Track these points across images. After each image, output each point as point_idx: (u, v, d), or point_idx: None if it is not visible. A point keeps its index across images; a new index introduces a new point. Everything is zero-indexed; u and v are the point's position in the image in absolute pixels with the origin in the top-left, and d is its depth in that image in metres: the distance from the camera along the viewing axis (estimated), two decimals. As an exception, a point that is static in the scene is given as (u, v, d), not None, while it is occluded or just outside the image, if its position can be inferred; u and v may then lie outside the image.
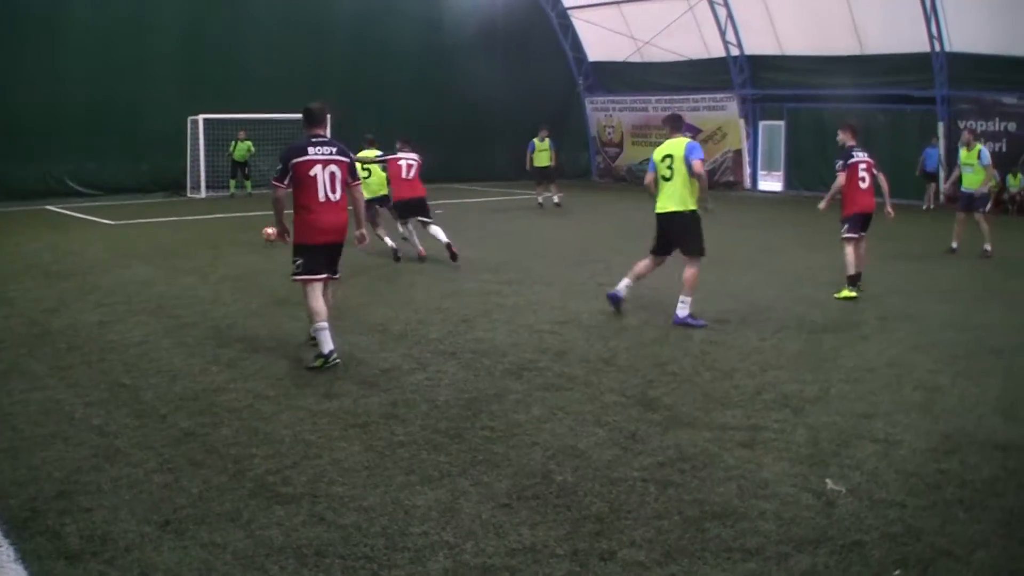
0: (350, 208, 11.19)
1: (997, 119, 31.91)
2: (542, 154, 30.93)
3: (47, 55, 30.99)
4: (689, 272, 13.29)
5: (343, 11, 37.85)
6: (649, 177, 13.52)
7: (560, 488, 7.20)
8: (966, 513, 6.77)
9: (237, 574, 5.84)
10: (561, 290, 15.84)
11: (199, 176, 34.55)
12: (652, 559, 6.03)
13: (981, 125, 31.54)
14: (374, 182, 19.77)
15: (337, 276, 11.42)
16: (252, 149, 34.24)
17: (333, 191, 10.96)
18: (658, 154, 13.39)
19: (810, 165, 37.08)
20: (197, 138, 33.97)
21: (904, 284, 16.68)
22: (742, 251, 20.81)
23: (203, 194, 34.11)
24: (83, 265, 18.35)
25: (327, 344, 10.84)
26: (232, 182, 35.07)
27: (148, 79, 33.19)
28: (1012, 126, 31.50)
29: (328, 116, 12.02)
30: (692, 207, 13.28)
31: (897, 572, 5.90)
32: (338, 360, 10.84)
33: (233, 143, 34.35)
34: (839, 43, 34.63)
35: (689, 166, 12.99)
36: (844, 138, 15.76)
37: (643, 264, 13.80)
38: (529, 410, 9.23)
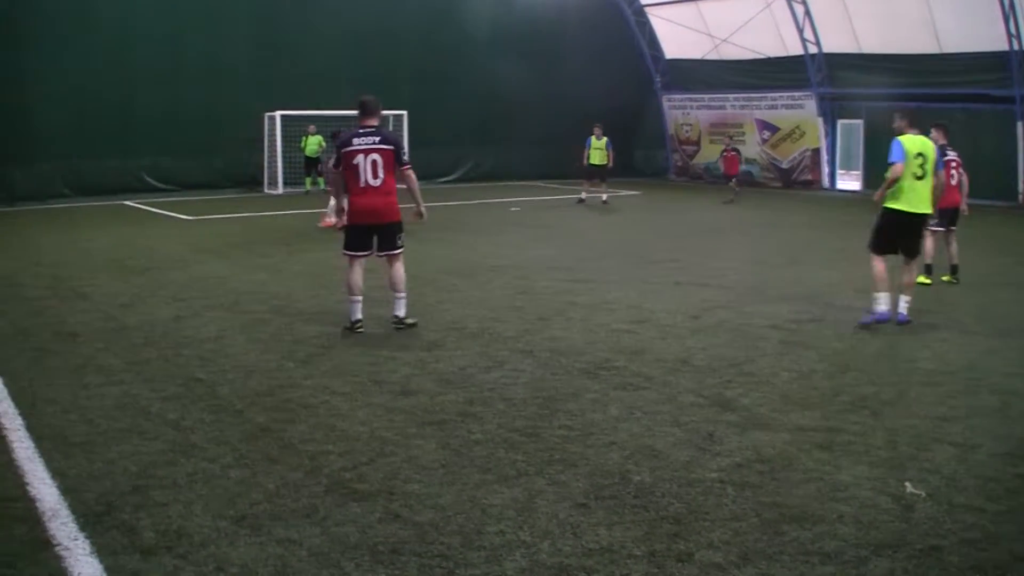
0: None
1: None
2: (597, 152, 31.46)
3: (123, 53, 31.41)
4: (915, 275, 13.54)
5: (415, 8, 37.85)
6: (899, 168, 13.32)
7: (637, 488, 7.12)
8: (1045, 518, 6.65)
9: (312, 571, 5.80)
10: (637, 289, 15.70)
11: (276, 172, 34.75)
12: (729, 561, 5.94)
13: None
14: None
15: (394, 252, 12.51)
16: (324, 144, 34.13)
17: (374, 177, 12.20)
18: (913, 148, 13.15)
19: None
20: (274, 134, 34.18)
21: (982, 286, 16.46)
22: (819, 251, 20.74)
23: (280, 190, 34.27)
24: (159, 260, 18.54)
25: (355, 314, 12.43)
26: (307, 179, 35.12)
27: (223, 75, 33.53)
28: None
29: (379, 107, 12.84)
30: (930, 210, 13.29)
31: None
32: (362, 329, 12.36)
33: (303, 138, 34.35)
34: (917, 42, 34.14)
35: (937, 172, 13.10)
36: (936, 136, 16.05)
37: (881, 269, 13.29)
38: (606, 409, 9.16)
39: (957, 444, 8.19)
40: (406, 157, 12.64)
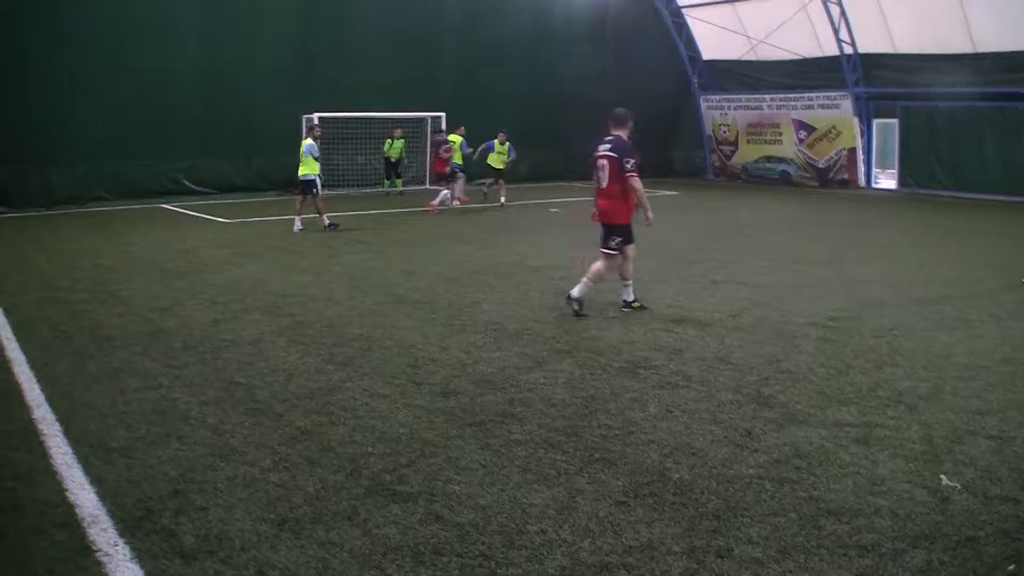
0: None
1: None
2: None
3: (160, 54, 31.36)
4: None
5: (453, 10, 37.88)
6: None
7: (676, 486, 7.19)
8: (1080, 508, 6.68)
9: (354, 573, 5.82)
10: (676, 288, 15.74)
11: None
12: (768, 556, 6.02)
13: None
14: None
15: (612, 252, 13.80)
16: (404, 150, 34.30)
17: (605, 180, 13.73)
18: None
19: (924, 163, 36.68)
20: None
21: (1017, 282, 16.41)
22: (856, 249, 20.78)
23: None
24: (197, 263, 18.58)
25: (575, 289, 13.78)
26: (385, 180, 35.43)
27: (261, 77, 33.54)
28: None
29: (622, 119, 14.05)
30: None
31: (1011, 568, 5.87)
32: (577, 309, 13.57)
33: (388, 141, 34.28)
34: (952, 41, 34.09)
35: None
36: None
37: None
38: (645, 408, 9.18)
39: (992, 437, 8.31)
40: (628, 165, 13.55)
